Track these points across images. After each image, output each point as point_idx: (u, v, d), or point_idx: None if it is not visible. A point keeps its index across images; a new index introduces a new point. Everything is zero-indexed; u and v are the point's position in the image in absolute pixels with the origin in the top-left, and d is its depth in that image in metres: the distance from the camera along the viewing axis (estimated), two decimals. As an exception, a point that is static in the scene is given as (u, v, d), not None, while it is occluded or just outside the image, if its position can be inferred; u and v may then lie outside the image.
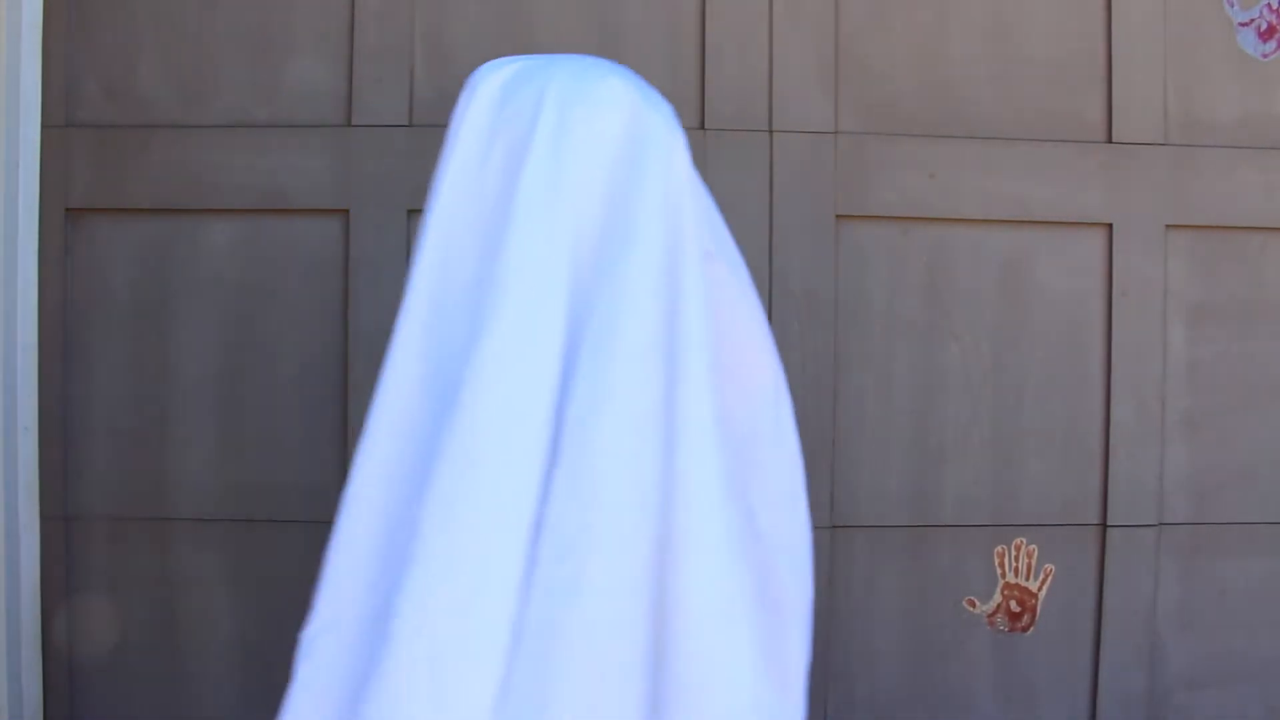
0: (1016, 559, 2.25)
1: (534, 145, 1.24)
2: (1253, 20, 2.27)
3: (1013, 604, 2.25)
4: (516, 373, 1.21)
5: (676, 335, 1.26)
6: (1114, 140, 2.25)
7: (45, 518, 2.17)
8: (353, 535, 1.27)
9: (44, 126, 2.15)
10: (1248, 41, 2.28)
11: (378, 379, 1.28)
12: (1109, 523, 2.24)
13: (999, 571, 2.25)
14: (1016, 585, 2.25)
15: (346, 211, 2.18)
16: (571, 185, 1.24)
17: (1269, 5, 2.27)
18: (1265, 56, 2.28)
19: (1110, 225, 2.25)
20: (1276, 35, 2.27)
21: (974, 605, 2.25)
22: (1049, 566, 2.26)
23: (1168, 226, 2.25)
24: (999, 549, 2.25)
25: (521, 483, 1.20)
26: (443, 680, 1.18)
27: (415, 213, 2.17)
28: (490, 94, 1.29)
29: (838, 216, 2.21)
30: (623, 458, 1.22)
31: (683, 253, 1.28)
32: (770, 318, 2.07)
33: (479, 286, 1.24)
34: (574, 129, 1.25)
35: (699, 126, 2.19)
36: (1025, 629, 2.26)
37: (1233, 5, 2.27)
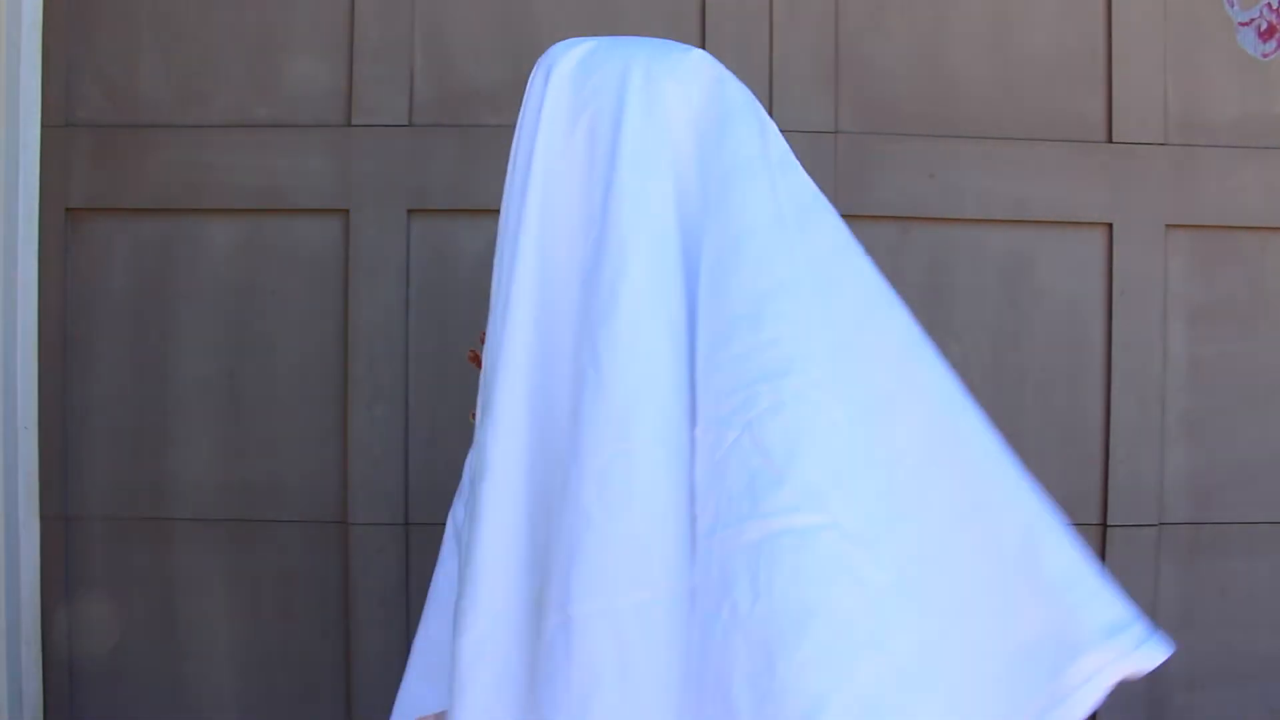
0: (1016, 559, 2.25)
1: (626, 118, 1.25)
2: (1253, 20, 2.27)
3: (1013, 604, 2.25)
4: (651, 339, 1.20)
5: (825, 270, 1.27)
6: (1114, 140, 2.25)
7: (45, 518, 2.17)
8: (500, 529, 1.22)
9: (44, 126, 2.15)
10: (1248, 41, 2.28)
11: (495, 358, 1.24)
12: (1109, 522, 2.24)
13: (999, 571, 2.25)
14: (1016, 585, 2.25)
15: (346, 211, 2.18)
16: (668, 153, 1.25)
17: (1269, 5, 2.27)
18: (1265, 56, 2.28)
19: (1110, 225, 2.24)
20: (1276, 35, 2.27)
21: (974, 605, 2.25)
22: (1049, 566, 2.25)
23: (1168, 226, 2.25)
24: (999, 549, 2.24)
25: (673, 449, 1.18)
26: (630, 668, 1.14)
27: (415, 212, 2.18)
28: (569, 71, 1.30)
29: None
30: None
31: (802, 197, 1.31)
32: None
33: (590, 258, 1.22)
34: (665, 99, 1.26)
35: (699, 126, 2.19)
36: (1025, 629, 2.25)
37: (1233, 5, 2.27)
